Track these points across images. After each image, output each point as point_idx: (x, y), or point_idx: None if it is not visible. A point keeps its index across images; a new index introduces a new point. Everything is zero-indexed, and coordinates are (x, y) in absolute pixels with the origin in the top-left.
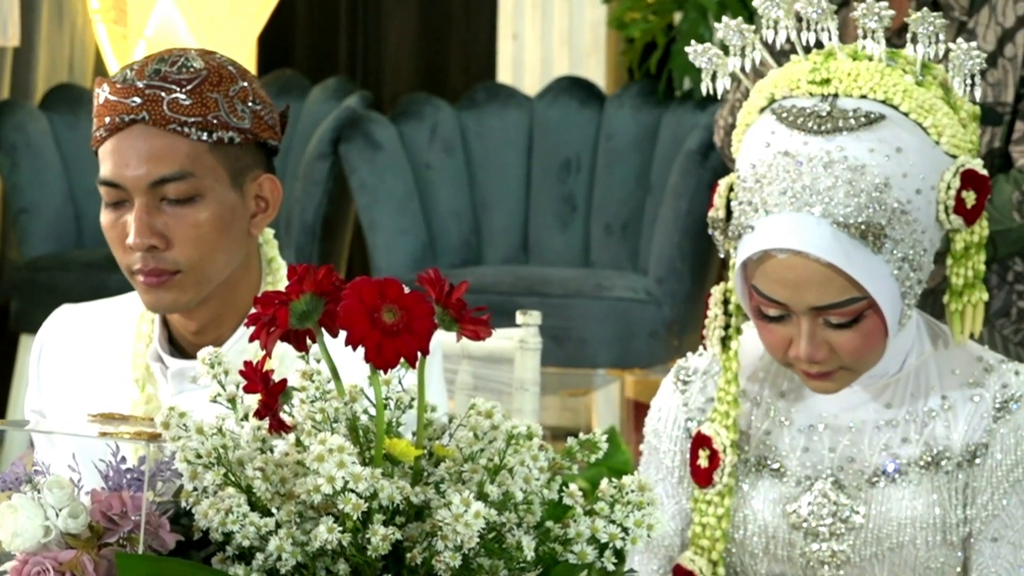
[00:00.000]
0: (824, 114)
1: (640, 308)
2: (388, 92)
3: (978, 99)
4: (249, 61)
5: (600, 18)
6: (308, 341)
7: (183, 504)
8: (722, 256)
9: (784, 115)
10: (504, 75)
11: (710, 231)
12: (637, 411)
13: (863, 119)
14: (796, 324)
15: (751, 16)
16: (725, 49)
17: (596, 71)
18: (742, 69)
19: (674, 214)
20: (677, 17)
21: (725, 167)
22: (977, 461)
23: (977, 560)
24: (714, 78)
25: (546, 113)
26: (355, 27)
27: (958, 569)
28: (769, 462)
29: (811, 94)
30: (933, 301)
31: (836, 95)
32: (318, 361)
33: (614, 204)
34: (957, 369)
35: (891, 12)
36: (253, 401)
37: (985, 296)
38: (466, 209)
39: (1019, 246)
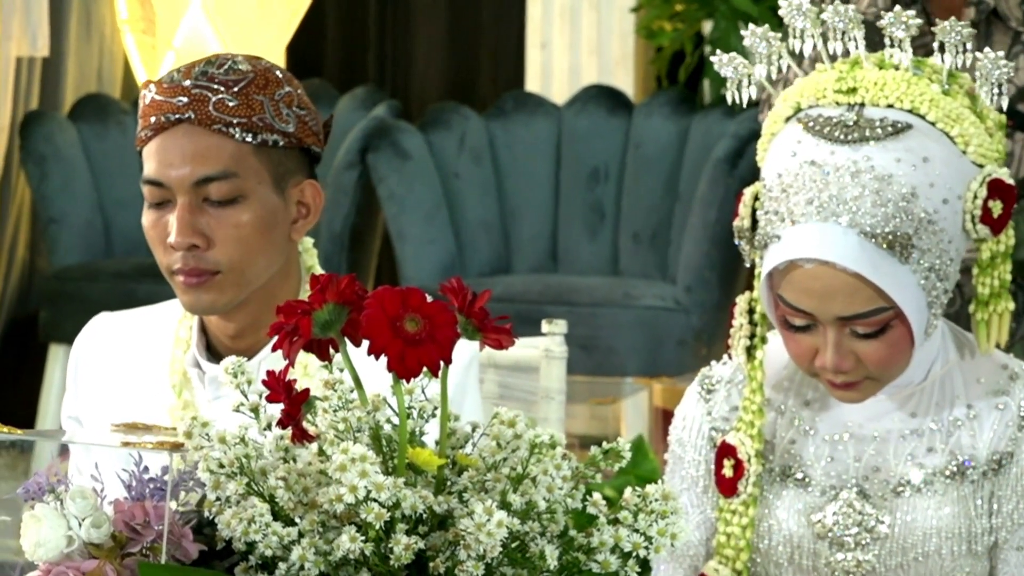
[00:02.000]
0: (851, 123)
1: (668, 317)
2: (416, 101)
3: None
4: None
5: (628, 27)
6: (331, 350)
7: (206, 514)
8: (748, 265)
9: (810, 124)
10: (532, 84)
11: (736, 240)
12: (665, 419)
13: (890, 128)
14: (822, 334)
15: (780, 25)
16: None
17: (624, 80)
18: (768, 77)
19: (702, 223)
20: (706, 26)
21: (754, 176)
22: (1003, 470)
23: (1003, 569)
24: (739, 87)
25: (574, 122)
26: (384, 37)
27: None
28: (794, 471)
29: (837, 103)
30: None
31: (862, 104)
32: (341, 370)
33: (642, 213)
34: (982, 377)
35: (918, 21)
36: (276, 410)
37: (1011, 306)
38: (494, 218)
39: None
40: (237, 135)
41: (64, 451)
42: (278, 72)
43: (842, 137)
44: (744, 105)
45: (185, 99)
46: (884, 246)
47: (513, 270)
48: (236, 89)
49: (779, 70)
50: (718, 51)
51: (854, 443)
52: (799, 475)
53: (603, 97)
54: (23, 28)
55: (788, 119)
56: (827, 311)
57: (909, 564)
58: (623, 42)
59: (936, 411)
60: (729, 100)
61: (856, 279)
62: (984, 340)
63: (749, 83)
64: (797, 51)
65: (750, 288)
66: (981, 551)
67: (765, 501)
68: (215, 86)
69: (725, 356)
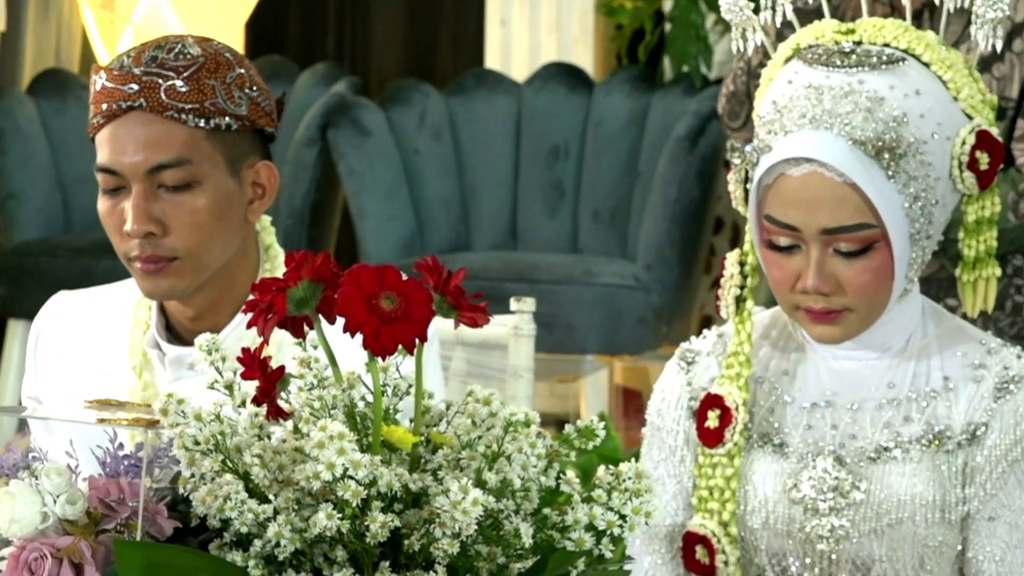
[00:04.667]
0: (847, 51)
1: (629, 294)
2: (376, 78)
3: (997, 48)
4: (237, 47)
5: (588, 5)
6: (305, 328)
7: (181, 490)
8: (732, 192)
9: (808, 56)
10: (492, 61)
11: (727, 155)
12: (626, 397)
13: (885, 58)
14: (805, 256)
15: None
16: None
17: (584, 57)
18: (772, 24)
19: (663, 201)
20: (666, 3)
21: (714, 154)
22: (977, 440)
23: (974, 539)
24: (743, 36)
25: (534, 99)
26: (344, 13)
27: (957, 548)
28: (772, 438)
29: (836, 42)
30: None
31: (860, 42)
32: (315, 348)
33: (602, 191)
34: (959, 351)
35: None
36: (250, 387)
37: (998, 271)
38: (454, 195)
39: (1014, 246)
40: (190, 121)
41: (22, 427)
42: (228, 54)
43: (838, 62)
44: (749, 53)
45: (136, 86)
46: (873, 154)
47: (473, 247)
48: (187, 74)
49: (783, 16)
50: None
51: (831, 411)
52: (776, 441)
53: (563, 75)
54: None
55: (787, 60)
56: (813, 223)
57: (883, 530)
58: (583, 20)
59: (913, 381)
60: (734, 49)
61: (844, 189)
62: (970, 303)
63: (755, 30)
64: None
65: (708, 269)
66: (955, 520)
67: (743, 466)
68: (166, 72)
69: (704, 331)
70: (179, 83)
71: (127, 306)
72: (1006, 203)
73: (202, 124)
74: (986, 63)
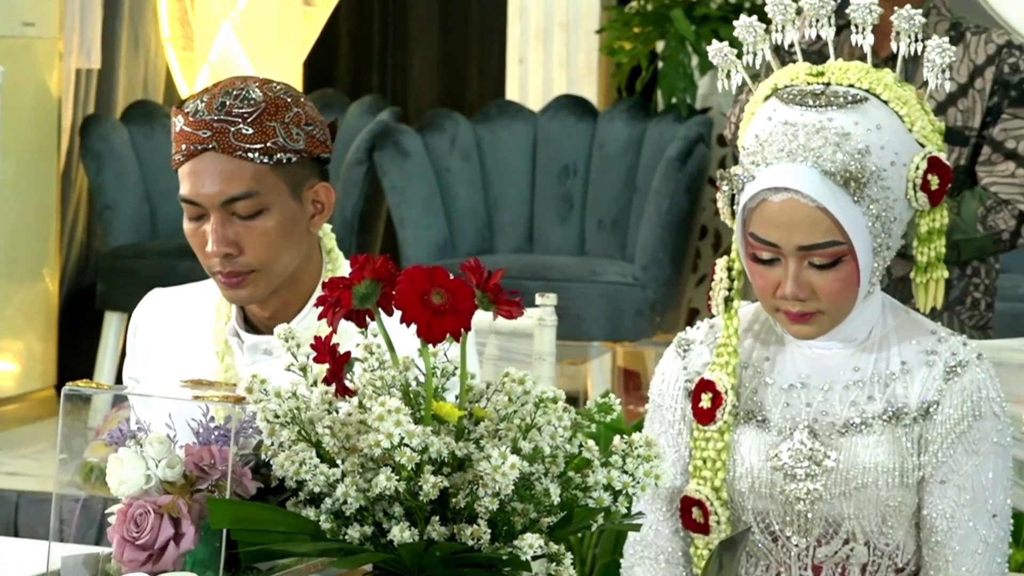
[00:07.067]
0: (818, 92)
1: (628, 291)
2: (414, 108)
3: (945, 91)
4: (296, 82)
5: (593, 46)
6: (368, 319)
7: (263, 456)
8: (721, 210)
9: (784, 96)
10: (512, 94)
11: (717, 181)
12: (626, 377)
13: (850, 98)
14: (784, 267)
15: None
16: (737, 50)
17: (590, 90)
18: (751, 67)
19: (657, 211)
20: (659, 45)
21: (700, 172)
22: (929, 416)
23: (928, 500)
24: (728, 75)
25: (548, 126)
26: (386, 53)
27: (914, 507)
28: (756, 415)
29: (808, 83)
30: (900, 288)
31: (828, 83)
32: (375, 336)
33: (606, 203)
34: (914, 340)
35: (880, 10)
36: (321, 370)
37: (946, 274)
38: (481, 207)
39: (978, 253)
40: (256, 159)
41: (117, 403)
42: (286, 96)
43: (810, 103)
44: (732, 91)
45: (208, 132)
46: (841, 183)
47: (496, 250)
48: (251, 119)
49: (762, 59)
50: (715, 41)
51: (806, 392)
52: (759, 417)
53: (572, 105)
54: (80, 44)
55: (767, 98)
56: (790, 241)
57: (850, 493)
58: (589, 58)
59: (875, 366)
60: (720, 87)
61: (816, 212)
62: (923, 301)
63: (737, 70)
64: (779, 43)
65: (695, 269)
66: (911, 484)
67: (731, 439)
68: (232, 118)
69: (698, 322)
70: (245, 128)
71: (211, 301)
72: (975, 217)
73: (266, 160)
74: (952, 98)
